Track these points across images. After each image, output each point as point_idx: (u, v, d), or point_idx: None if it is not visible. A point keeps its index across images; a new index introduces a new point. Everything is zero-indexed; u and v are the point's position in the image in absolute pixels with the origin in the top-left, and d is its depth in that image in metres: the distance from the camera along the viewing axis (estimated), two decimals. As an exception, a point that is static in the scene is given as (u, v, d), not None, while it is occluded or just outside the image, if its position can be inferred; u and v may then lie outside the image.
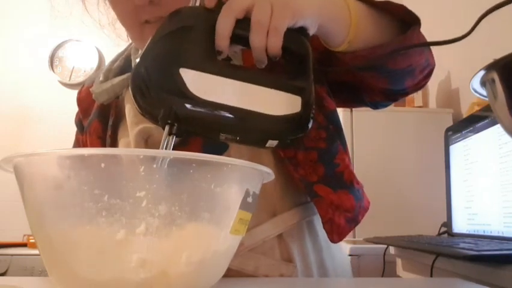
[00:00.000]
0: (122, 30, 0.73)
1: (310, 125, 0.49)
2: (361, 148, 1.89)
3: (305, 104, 0.49)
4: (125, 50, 0.80)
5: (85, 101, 0.78)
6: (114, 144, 0.71)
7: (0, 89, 2.76)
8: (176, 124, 0.45)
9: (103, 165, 0.35)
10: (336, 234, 0.64)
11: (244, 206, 0.41)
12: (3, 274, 2.11)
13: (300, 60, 0.51)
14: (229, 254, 0.43)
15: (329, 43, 0.59)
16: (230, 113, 0.46)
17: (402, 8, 0.61)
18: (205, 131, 0.48)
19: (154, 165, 0.36)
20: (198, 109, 0.45)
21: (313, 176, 0.64)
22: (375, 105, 0.76)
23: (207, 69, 0.47)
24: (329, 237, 0.64)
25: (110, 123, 0.72)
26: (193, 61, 0.46)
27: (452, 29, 1.99)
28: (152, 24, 0.64)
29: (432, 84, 2.18)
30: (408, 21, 0.61)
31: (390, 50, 0.58)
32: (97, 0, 0.74)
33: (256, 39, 0.47)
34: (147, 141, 0.65)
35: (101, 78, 0.73)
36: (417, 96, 2.03)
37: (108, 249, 0.35)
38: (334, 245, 0.70)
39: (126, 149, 0.36)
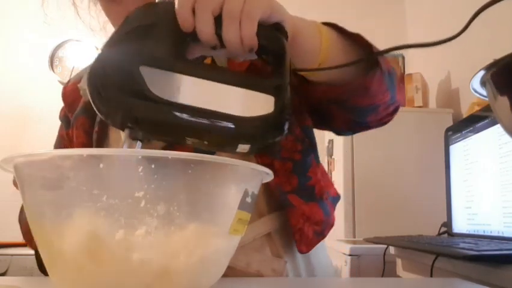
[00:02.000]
0: None
1: (285, 129, 0.45)
2: (361, 148, 1.89)
3: (279, 105, 0.44)
4: None
5: (70, 96, 0.78)
6: (101, 139, 0.71)
7: (0, 89, 2.76)
8: (136, 128, 0.41)
9: (101, 165, 0.35)
10: (304, 245, 0.66)
11: (243, 206, 0.41)
12: (3, 274, 2.11)
13: (275, 59, 0.46)
14: (229, 254, 0.43)
15: (295, 62, 0.55)
16: (195, 115, 0.41)
17: (370, 47, 0.59)
18: (168, 135, 0.44)
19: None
20: (159, 111, 0.41)
21: (287, 185, 0.66)
22: (338, 132, 0.77)
23: (170, 67, 0.42)
24: (297, 247, 0.65)
25: (97, 119, 0.71)
26: (155, 59, 0.42)
27: (451, 28, 1.99)
28: None
29: (432, 84, 2.18)
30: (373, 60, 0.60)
31: (351, 88, 0.57)
32: (88, 4, 0.74)
33: (229, 30, 0.43)
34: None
35: None
36: (417, 96, 2.03)
37: (107, 250, 0.35)
38: (321, 244, 0.71)
39: (125, 149, 0.36)
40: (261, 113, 0.43)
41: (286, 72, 0.45)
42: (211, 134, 0.43)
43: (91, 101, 0.43)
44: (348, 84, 0.58)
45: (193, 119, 0.41)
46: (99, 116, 0.44)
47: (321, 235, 0.68)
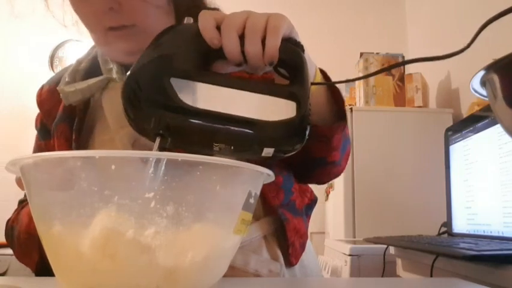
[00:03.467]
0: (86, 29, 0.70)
1: (307, 134, 0.47)
2: (361, 148, 1.89)
3: (301, 109, 0.46)
4: (90, 52, 0.78)
5: (46, 103, 0.76)
6: (80, 147, 0.69)
7: (0, 89, 2.76)
8: (167, 135, 0.44)
9: (113, 167, 0.36)
10: (294, 257, 0.68)
11: (246, 206, 0.41)
12: (3, 274, 2.11)
13: (294, 71, 0.49)
14: (231, 254, 0.44)
15: None
16: (222, 121, 0.44)
17: (343, 102, 0.64)
18: (197, 141, 0.46)
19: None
20: (190, 119, 0.44)
21: (276, 200, 0.67)
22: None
23: (198, 78, 0.46)
24: (288, 259, 0.67)
25: (74, 127, 0.69)
26: (183, 71, 0.46)
27: (451, 28, 1.99)
28: (116, 32, 0.64)
29: (432, 84, 2.18)
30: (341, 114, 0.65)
31: (316, 133, 0.60)
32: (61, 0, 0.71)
33: (252, 44, 0.46)
34: (133, 144, 0.65)
35: (67, 79, 0.71)
36: (417, 96, 2.03)
37: (117, 249, 0.36)
38: (307, 244, 0.74)
39: (137, 151, 0.37)
40: (284, 117, 0.46)
41: (305, 81, 0.48)
42: (238, 138, 0.45)
43: (124, 112, 0.46)
44: (316, 127, 0.61)
45: (220, 125, 0.44)
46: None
47: (304, 246, 0.71)
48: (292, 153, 0.48)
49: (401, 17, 2.69)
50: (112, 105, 0.69)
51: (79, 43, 2.92)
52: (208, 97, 0.45)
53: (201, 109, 0.44)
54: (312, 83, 0.53)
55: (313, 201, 0.77)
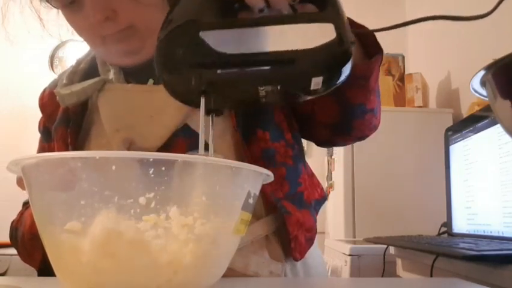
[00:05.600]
0: None
1: (351, 52, 0.44)
2: (361, 148, 1.89)
3: (340, 29, 0.44)
4: (90, 52, 0.77)
5: (48, 107, 0.75)
6: (77, 150, 0.67)
7: (1, 89, 2.76)
8: (210, 92, 0.42)
9: (113, 167, 0.36)
10: (298, 252, 0.66)
11: (245, 206, 0.41)
12: (3, 274, 2.11)
13: (317, 3, 0.47)
14: (231, 253, 0.44)
15: None
16: (263, 60, 0.42)
17: (374, 35, 0.60)
18: (243, 90, 0.45)
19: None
20: (230, 68, 0.42)
21: (279, 192, 0.66)
22: (319, 143, 0.77)
23: (226, 25, 0.44)
24: (292, 255, 0.66)
25: (69, 130, 0.68)
26: (210, 22, 0.44)
27: (451, 28, 1.99)
28: (113, 36, 0.63)
29: (432, 84, 2.18)
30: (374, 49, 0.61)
31: (355, 73, 0.57)
32: (56, 14, 0.70)
33: None
34: (129, 148, 0.64)
35: (64, 81, 0.71)
36: (417, 96, 2.03)
37: (118, 249, 0.36)
38: (315, 242, 0.72)
39: (137, 152, 0.37)
40: (324, 40, 0.43)
41: (336, 3, 0.46)
42: (284, 74, 0.43)
43: (163, 84, 0.44)
44: (353, 67, 0.58)
45: (259, 66, 0.42)
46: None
47: (311, 241, 0.69)
48: (343, 79, 0.45)
49: (401, 17, 2.68)
50: (108, 107, 0.67)
51: (79, 43, 2.92)
52: (241, 41, 0.43)
53: (238, 54, 0.42)
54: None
55: (323, 197, 0.76)
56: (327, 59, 0.43)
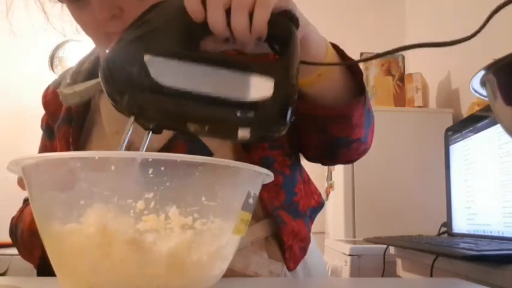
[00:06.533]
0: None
1: (288, 115, 0.43)
2: (361, 148, 1.89)
3: (279, 87, 0.42)
4: (94, 51, 0.77)
5: (52, 105, 0.75)
6: (77, 150, 0.67)
7: (1, 89, 2.76)
8: (140, 114, 0.43)
9: (113, 167, 0.36)
10: (292, 262, 0.66)
11: (245, 206, 0.41)
12: (3, 274, 2.11)
13: (284, 47, 0.45)
14: (231, 254, 0.44)
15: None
16: (195, 100, 0.42)
17: (361, 75, 0.60)
18: (171, 120, 0.44)
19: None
20: (161, 97, 0.42)
21: (275, 200, 0.65)
22: (309, 160, 0.76)
23: (172, 55, 0.44)
24: (286, 264, 0.65)
25: (71, 129, 0.69)
26: (158, 47, 0.44)
27: (451, 28, 1.99)
28: (118, 33, 0.63)
29: (432, 84, 2.18)
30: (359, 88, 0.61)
31: (334, 113, 0.58)
32: (60, 10, 0.71)
33: (237, 17, 0.43)
34: (129, 150, 0.64)
35: (68, 80, 0.71)
36: (417, 96, 2.03)
37: (117, 249, 0.36)
38: (311, 242, 0.71)
39: (137, 152, 0.37)
40: (259, 95, 0.42)
41: (292, 56, 0.44)
42: (212, 118, 0.43)
43: (103, 88, 0.44)
44: (333, 109, 0.59)
45: (191, 104, 0.42)
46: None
47: (304, 251, 0.69)
48: (274, 136, 0.44)
49: (401, 17, 2.68)
50: (109, 109, 0.68)
51: (79, 43, 2.92)
52: (181, 75, 0.43)
53: (173, 87, 0.42)
54: (302, 61, 0.48)
55: (320, 204, 0.75)
56: (255, 115, 0.42)
